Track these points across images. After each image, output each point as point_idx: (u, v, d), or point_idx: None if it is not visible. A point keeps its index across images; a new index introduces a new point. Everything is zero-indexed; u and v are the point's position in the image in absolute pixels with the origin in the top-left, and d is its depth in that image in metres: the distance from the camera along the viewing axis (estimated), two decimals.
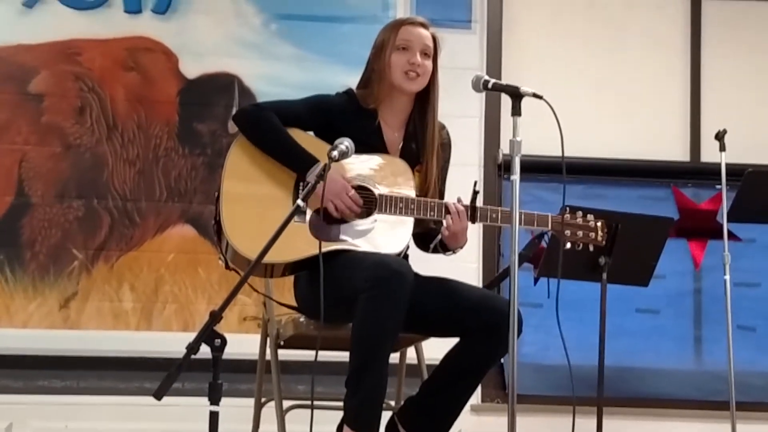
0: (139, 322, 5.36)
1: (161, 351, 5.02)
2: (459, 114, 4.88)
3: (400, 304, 3.11)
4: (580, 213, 3.48)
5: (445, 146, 3.65)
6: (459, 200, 3.37)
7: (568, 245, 3.45)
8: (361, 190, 3.39)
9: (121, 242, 5.43)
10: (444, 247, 3.49)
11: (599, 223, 3.50)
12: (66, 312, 5.33)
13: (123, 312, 5.36)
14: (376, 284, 3.09)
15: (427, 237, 3.55)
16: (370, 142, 3.44)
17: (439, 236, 3.47)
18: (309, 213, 3.33)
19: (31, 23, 5.49)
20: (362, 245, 3.32)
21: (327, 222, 3.32)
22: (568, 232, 3.44)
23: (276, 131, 3.41)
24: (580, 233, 3.46)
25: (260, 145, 3.41)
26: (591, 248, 3.51)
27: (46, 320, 5.32)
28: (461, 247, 3.48)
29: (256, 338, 4.00)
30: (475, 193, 3.37)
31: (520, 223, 3.14)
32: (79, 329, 5.31)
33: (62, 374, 5.26)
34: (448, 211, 3.36)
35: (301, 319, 3.60)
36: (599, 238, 3.49)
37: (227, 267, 3.40)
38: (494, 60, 5.73)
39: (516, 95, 3.12)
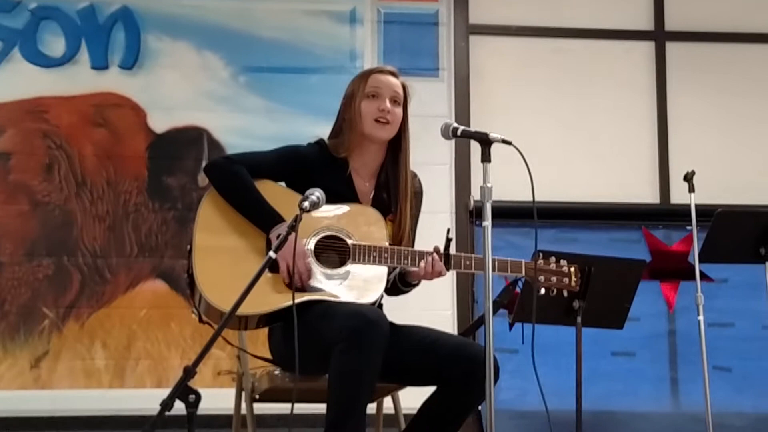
0: (111, 380, 5.31)
1: (135, 408, 4.98)
2: (429, 161, 4.89)
3: (376, 354, 3.09)
4: (553, 258, 3.48)
5: (418, 195, 3.64)
6: (436, 249, 3.35)
7: (542, 291, 3.45)
8: (334, 240, 3.37)
9: (92, 299, 5.39)
10: (403, 282, 3.48)
11: (572, 269, 3.49)
12: (37, 372, 5.28)
13: (95, 370, 5.31)
14: (352, 335, 3.06)
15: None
16: (341, 192, 3.43)
17: (397, 270, 3.45)
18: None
19: None
20: (337, 295, 3.30)
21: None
22: (541, 278, 3.44)
23: (244, 187, 3.38)
24: (553, 279, 3.45)
25: (228, 199, 3.39)
26: (565, 293, 3.51)
27: (17, 381, 5.26)
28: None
29: (231, 392, 3.95)
30: (449, 240, 3.36)
31: (493, 270, 3.13)
32: (51, 389, 5.26)
33: None
34: (422, 258, 3.35)
35: (276, 372, 3.57)
36: (573, 284, 3.49)
37: (201, 320, 3.36)
38: (462, 107, 5.76)
39: (485, 141, 3.12)
